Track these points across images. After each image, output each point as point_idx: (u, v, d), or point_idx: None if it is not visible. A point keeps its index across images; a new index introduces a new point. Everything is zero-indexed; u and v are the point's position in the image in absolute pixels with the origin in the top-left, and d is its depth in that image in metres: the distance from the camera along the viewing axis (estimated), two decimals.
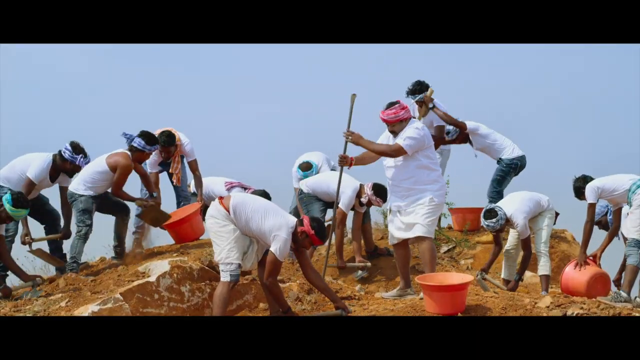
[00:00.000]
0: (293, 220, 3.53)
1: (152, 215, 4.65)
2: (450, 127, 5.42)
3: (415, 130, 3.86)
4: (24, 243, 4.39)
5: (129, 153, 4.42)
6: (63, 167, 4.43)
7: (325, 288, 3.72)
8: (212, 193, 5.30)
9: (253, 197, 4.02)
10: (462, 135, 5.45)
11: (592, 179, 4.43)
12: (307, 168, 5.54)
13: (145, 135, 4.47)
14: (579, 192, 4.52)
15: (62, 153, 4.39)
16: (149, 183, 4.79)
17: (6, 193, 3.95)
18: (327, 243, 4.36)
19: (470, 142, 5.51)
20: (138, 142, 4.42)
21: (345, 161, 4.03)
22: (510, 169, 5.42)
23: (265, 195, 5.09)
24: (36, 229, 4.67)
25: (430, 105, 5.23)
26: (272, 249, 3.40)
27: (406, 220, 3.88)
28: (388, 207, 4.14)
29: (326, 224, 4.87)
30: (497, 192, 5.39)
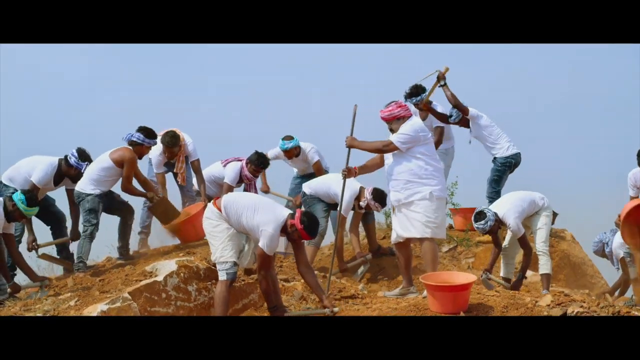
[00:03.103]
0: (284, 214, 3.54)
1: (162, 208, 4.70)
2: (454, 110, 5.51)
3: (409, 126, 3.92)
4: (30, 249, 4.41)
5: (130, 147, 4.50)
6: (67, 173, 4.51)
7: (315, 286, 3.70)
8: (212, 177, 5.40)
9: (244, 194, 4.13)
10: (464, 120, 5.53)
11: None
12: (288, 138, 5.63)
13: (144, 130, 4.55)
14: None
15: (68, 159, 4.45)
16: (150, 187, 4.79)
17: (13, 192, 4.01)
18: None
19: (470, 128, 5.59)
20: (137, 137, 4.50)
21: (349, 173, 4.09)
22: (505, 168, 5.49)
23: (261, 156, 5.27)
24: (42, 230, 4.74)
25: (442, 83, 5.33)
26: (259, 244, 3.46)
27: (408, 216, 3.91)
28: (391, 206, 4.17)
29: None
30: (495, 192, 5.45)
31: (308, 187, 5.13)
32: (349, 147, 4.07)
